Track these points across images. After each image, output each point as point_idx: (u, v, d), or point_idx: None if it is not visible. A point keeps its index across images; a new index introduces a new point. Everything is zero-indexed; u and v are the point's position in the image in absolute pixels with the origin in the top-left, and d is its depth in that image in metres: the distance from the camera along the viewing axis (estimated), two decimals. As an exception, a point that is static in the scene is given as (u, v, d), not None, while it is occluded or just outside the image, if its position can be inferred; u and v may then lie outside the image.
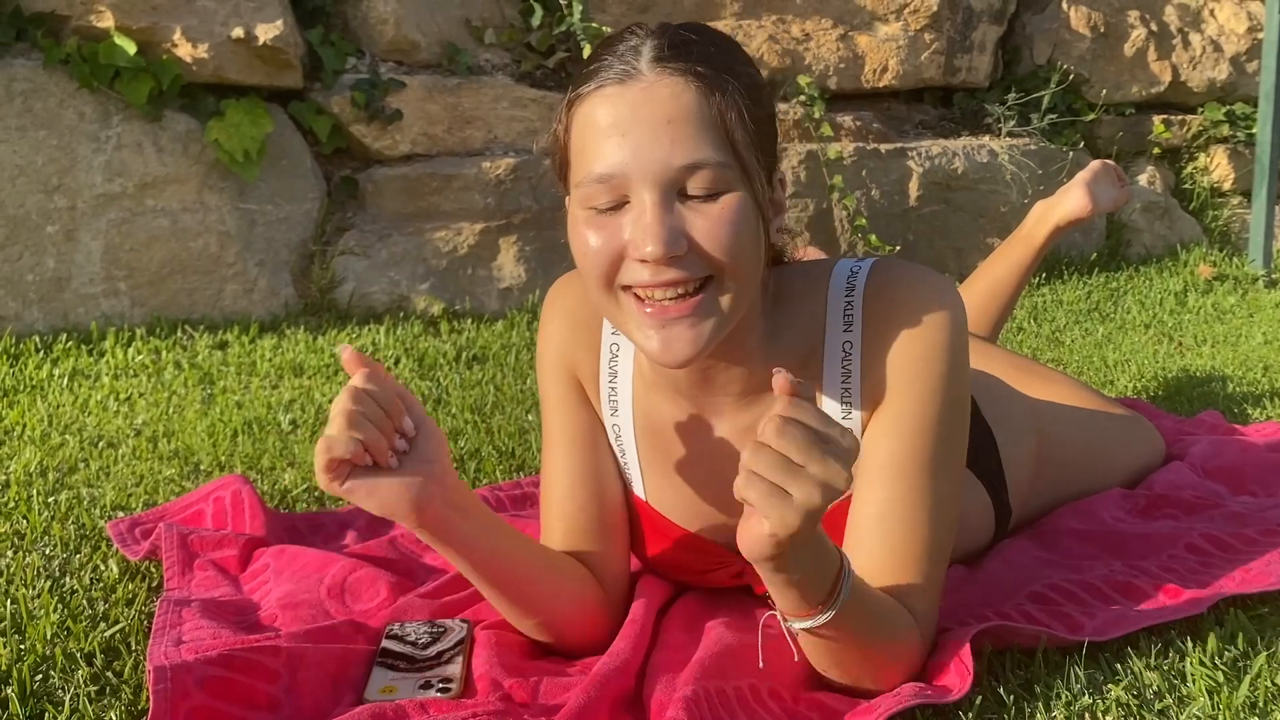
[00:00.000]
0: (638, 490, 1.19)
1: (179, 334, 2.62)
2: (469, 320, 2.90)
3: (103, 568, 1.37)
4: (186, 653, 1.05)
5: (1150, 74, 4.11)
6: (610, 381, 1.17)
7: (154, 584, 1.33)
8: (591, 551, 1.17)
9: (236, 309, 2.82)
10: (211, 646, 1.06)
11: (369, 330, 2.72)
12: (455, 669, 1.07)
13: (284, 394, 2.23)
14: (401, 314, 2.88)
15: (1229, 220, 4.23)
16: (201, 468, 1.79)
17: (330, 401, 2.17)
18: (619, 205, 0.96)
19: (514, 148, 3.15)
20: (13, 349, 2.45)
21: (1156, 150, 4.18)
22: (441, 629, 1.15)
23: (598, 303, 1.02)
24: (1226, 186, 4.26)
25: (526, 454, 1.89)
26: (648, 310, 0.97)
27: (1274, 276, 3.71)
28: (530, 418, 2.08)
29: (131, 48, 2.66)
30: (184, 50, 2.73)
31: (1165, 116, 4.18)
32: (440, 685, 1.04)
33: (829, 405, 1.09)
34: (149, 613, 1.24)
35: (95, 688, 1.06)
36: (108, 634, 1.17)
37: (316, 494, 1.69)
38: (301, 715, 1.01)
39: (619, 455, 1.19)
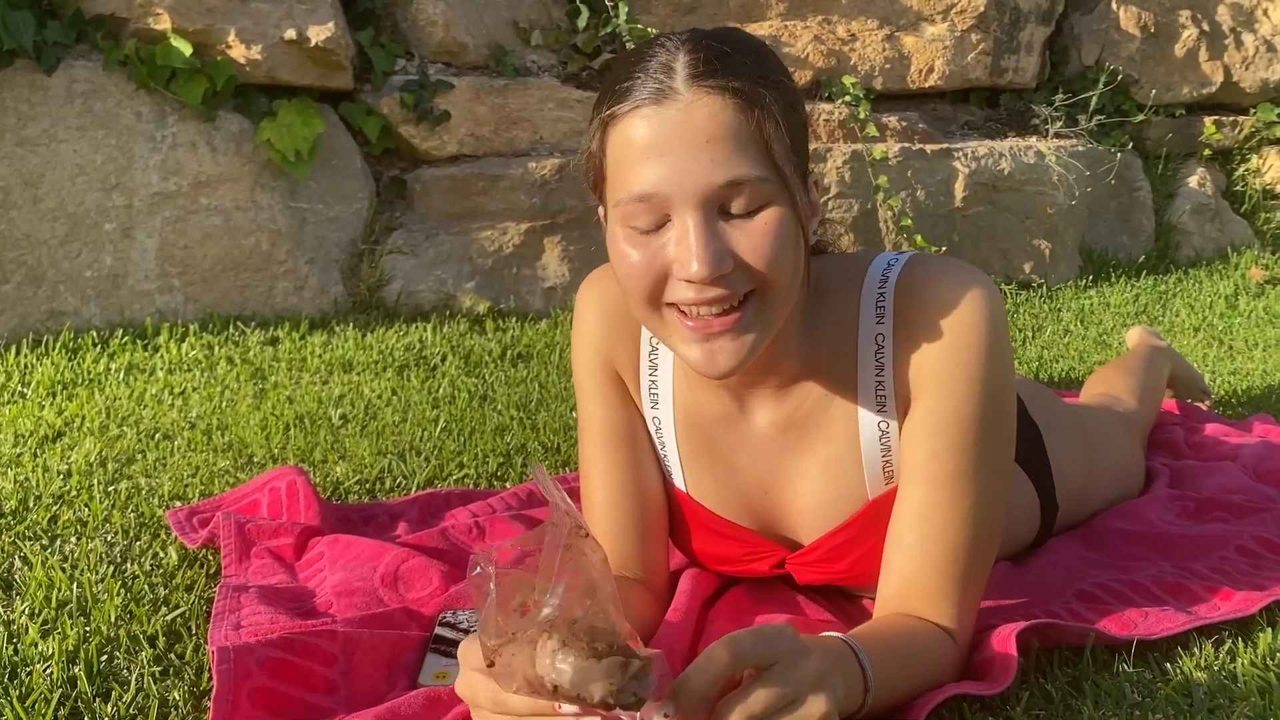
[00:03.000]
0: (678, 482, 1.21)
1: (231, 330, 2.67)
2: (514, 319, 2.92)
3: (162, 555, 1.40)
4: (247, 635, 1.08)
5: (1201, 74, 4.06)
6: (650, 375, 1.18)
7: (212, 571, 1.36)
8: (637, 551, 1.19)
9: (287, 306, 2.87)
10: (270, 630, 1.09)
11: (416, 328, 2.76)
12: (506, 656, 1.09)
13: (334, 389, 2.27)
14: (448, 312, 2.91)
15: (1282, 223, 4.17)
16: (255, 460, 1.82)
17: (379, 397, 2.21)
18: (660, 224, 0.96)
19: (559, 148, 3.17)
20: (71, 343, 2.51)
21: (1207, 152, 4.12)
22: (492, 618, 1.17)
23: (640, 317, 1.02)
24: (1279, 189, 4.19)
25: (571, 450, 1.92)
26: (690, 324, 0.97)
27: (1328, 280, 3.65)
28: (575, 414, 2.10)
29: (187, 49, 2.72)
30: (238, 52, 2.78)
31: (1216, 117, 4.12)
32: (492, 672, 1.06)
33: (863, 399, 1.10)
34: (208, 598, 1.27)
35: (159, 668, 1.10)
36: (169, 618, 1.21)
37: (367, 486, 1.72)
38: (357, 698, 1.04)
39: (659, 448, 1.21)
